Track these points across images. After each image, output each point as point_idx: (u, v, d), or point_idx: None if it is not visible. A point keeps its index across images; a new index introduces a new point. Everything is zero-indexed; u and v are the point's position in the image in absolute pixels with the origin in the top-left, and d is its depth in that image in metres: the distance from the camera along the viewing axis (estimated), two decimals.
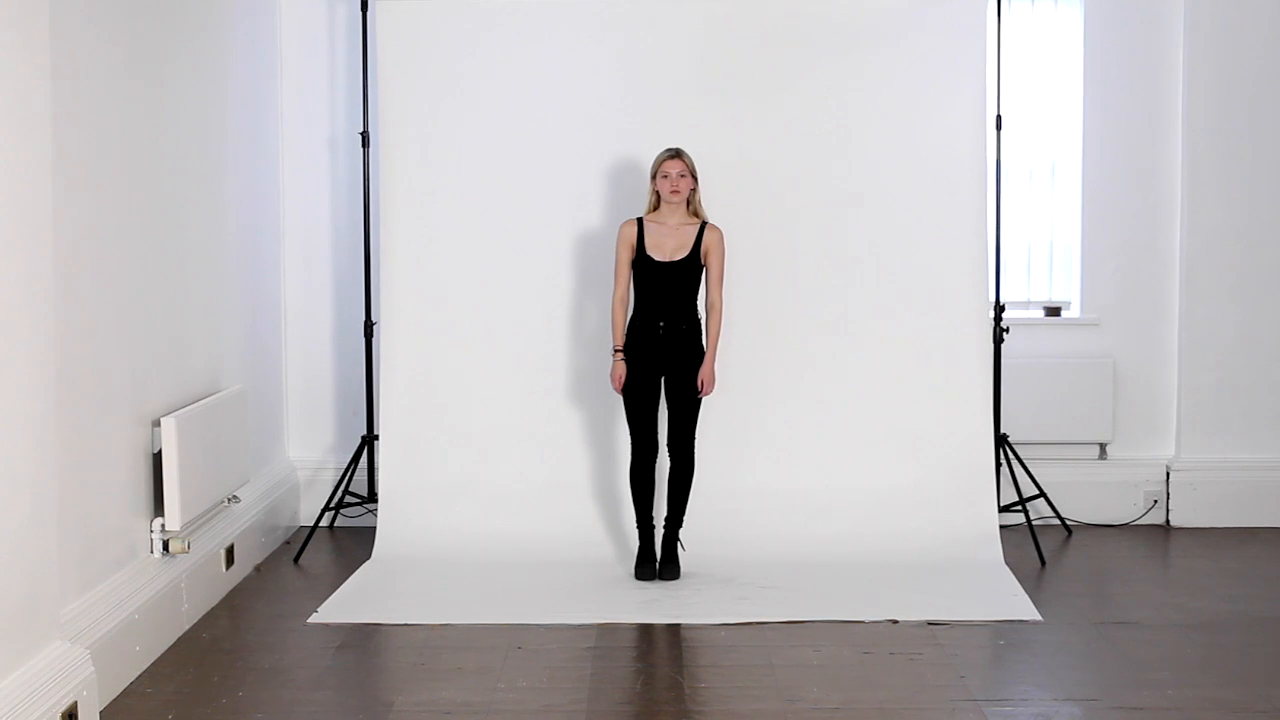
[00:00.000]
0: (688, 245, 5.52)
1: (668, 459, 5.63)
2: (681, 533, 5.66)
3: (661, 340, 5.50)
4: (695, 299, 5.55)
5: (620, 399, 5.73)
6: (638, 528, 5.63)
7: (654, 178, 5.53)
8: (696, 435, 5.64)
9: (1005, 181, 6.25)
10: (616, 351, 5.58)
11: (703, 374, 5.52)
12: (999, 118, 6.11)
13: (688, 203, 5.55)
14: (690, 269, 5.51)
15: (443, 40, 6.05)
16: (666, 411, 5.55)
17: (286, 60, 6.49)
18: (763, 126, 6.04)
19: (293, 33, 6.48)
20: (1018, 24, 6.54)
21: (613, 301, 5.62)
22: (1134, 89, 6.53)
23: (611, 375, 5.62)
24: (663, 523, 5.65)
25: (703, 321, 5.56)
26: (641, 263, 5.52)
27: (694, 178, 5.52)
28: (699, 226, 5.54)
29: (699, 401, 5.55)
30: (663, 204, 5.54)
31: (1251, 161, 6.47)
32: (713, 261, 5.54)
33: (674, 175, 5.48)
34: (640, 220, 5.57)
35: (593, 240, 6.06)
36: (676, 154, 5.50)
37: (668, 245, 5.52)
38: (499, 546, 5.87)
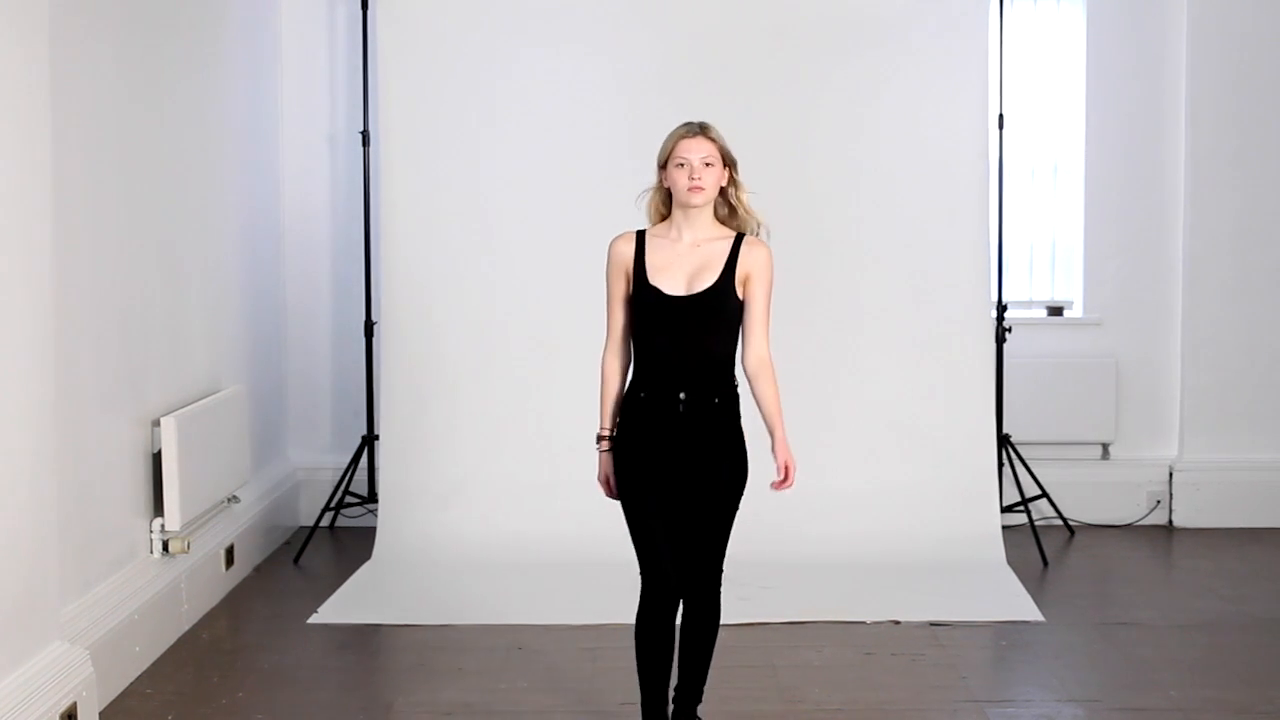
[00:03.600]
0: (714, 269, 3.66)
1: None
2: (701, 709, 3.90)
3: (682, 420, 3.65)
4: (731, 354, 3.71)
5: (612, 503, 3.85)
6: (642, 711, 3.82)
7: (663, 166, 3.71)
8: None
9: (1007, 181, 6.23)
10: (601, 439, 3.78)
11: (783, 457, 3.71)
12: (1001, 117, 6.10)
13: (718, 206, 3.74)
14: (721, 306, 3.65)
15: (444, 38, 6.04)
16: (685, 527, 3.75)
17: (287, 58, 6.47)
18: (765, 126, 6.02)
19: (293, 30, 6.47)
20: (1020, 23, 6.52)
21: (602, 359, 3.77)
22: (1137, 88, 6.52)
23: (598, 476, 3.80)
24: (672, 694, 3.86)
25: (740, 397, 3.73)
26: (644, 298, 3.67)
27: (727, 163, 3.70)
28: (732, 241, 3.69)
29: (733, 515, 3.74)
30: (676, 209, 3.71)
31: (1254, 161, 6.45)
32: (756, 293, 3.67)
33: (694, 161, 3.63)
34: (641, 235, 3.75)
35: (594, 240, 6.01)
36: (700, 129, 3.67)
37: (683, 270, 3.67)
38: (499, 547, 5.86)
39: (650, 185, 3.79)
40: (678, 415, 3.66)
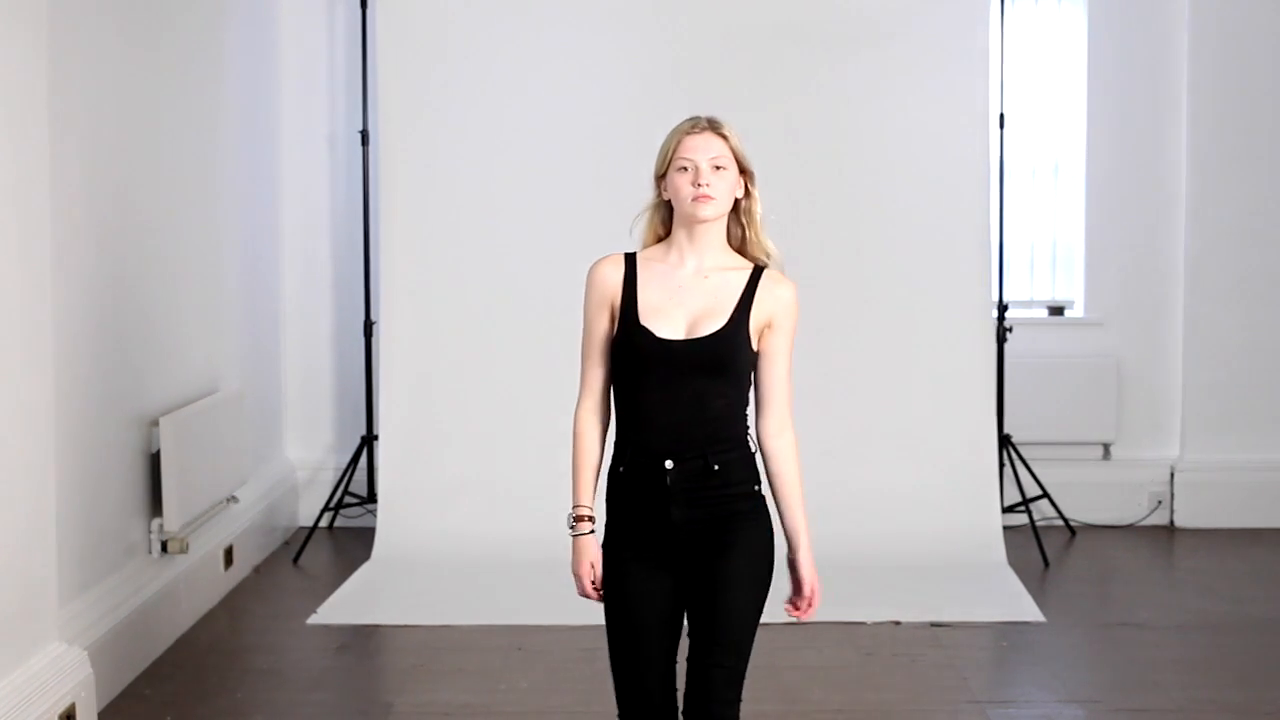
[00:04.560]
0: (724, 308, 2.87)
1: None
2: None
3: (670, 496, 2.83)
4: (737, 411, 2.90)
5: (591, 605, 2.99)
6: None
7: (662, 176, 2.91)
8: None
9: (1008, 180, 6.21)
10: (579, 518, 2.90)
11: (809, 576, 2.91)
12: (1002, 116, 6.09)
13: (732, 228, 2.95)
14: (730, 357, 2.86)
15: (444, 37, 6.03)
16: (688, 644, 2.88)
17: (286, 57, 6.46)
18: (765, 125, 5.98)
19: (292, 29, 6.45)
20: (1021, 22, 6.51)
21: (575, 418, 2.93)
22: (1138, 87, 6.50)
23: (574, 567, 2.91)
24: None
25: (756, 459, 2.93)
26: (632, 342, 2.85)
27: (743, 170, 2.92)
28: (749, 274, 2.93)
29: (752, 617, 2.84)
30: (677, 227, 2.91)
31: (1256, 160, 6.43)
32: (778, 345, 2.96)
33: (701, 163, 2.84)
34: (631, 259, 2.94)
35: (595, 240, 5.99)
36: (709, 125, 2.90)
37: (683, 307, 2.87)
38: (499, 547, 5.85)
39: (646, 204, 2.96)
40: (663, 490, 2.81)
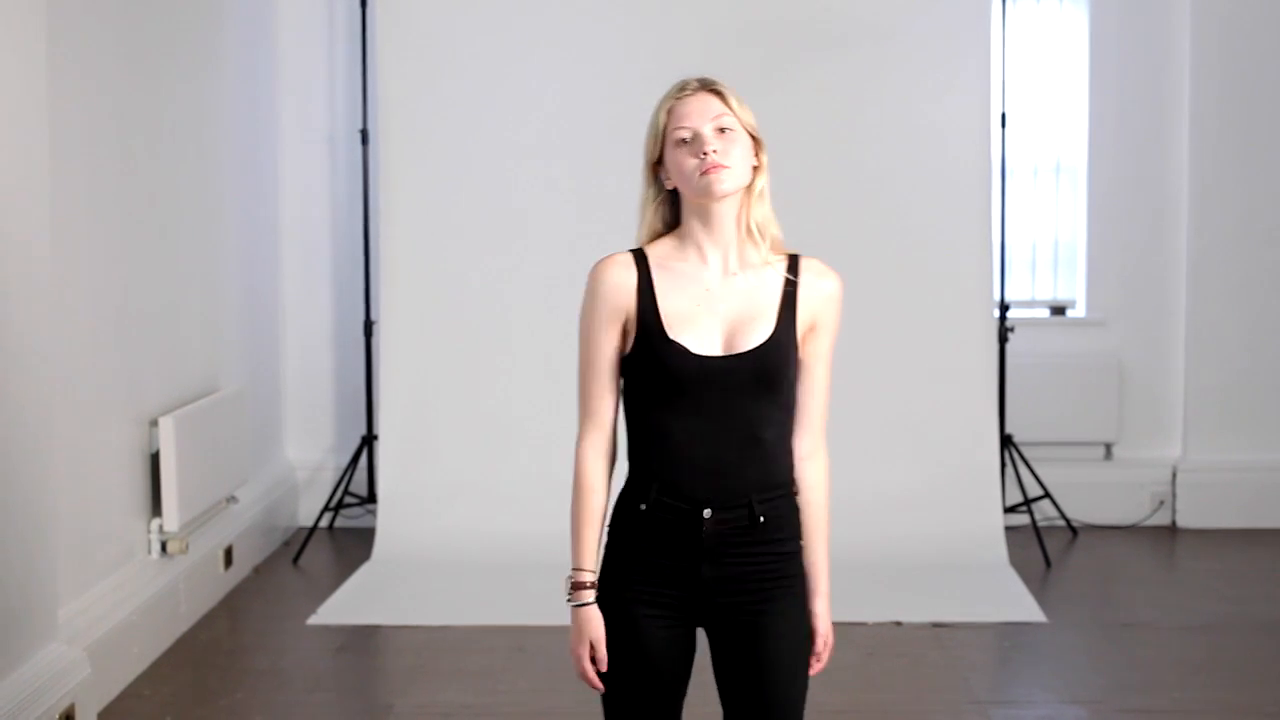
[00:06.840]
0: (766, 310, 2.38)
1: None
2: None
3: (705, 553, 2.38)
4: (786, 444, 2.43)
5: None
6: None
7: (658, 161, 2.41)
8: None
9: (1010, 179, 6.20)
10: (579, 585, 2.42)
11: (824, 633, 2.46)
12: (1004, 115, 6.07)
13: (742, 205, 2.41)
14: (781, 372, 2.38)
15: (443, 35, 6.02)
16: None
17: (285, 56, 6.44)
18: (765, 123, 5.97)
19: (291, 28, 6.44)
20: (1022, 20, 6.50)
21: (578, 456, 2.46)
22: (1140, 86, 6.49)
23: (574, 645, 2.42)
24: None
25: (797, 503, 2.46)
26: (663, 361, 2.35)
27: (754, 136, 2.47)
28: (785, 266, 2.42)
29: (799, 703, 2.44)
30: (689, 218, 2.39)
31: (1259, 159, 6.42)
32: (819, 349, 2.43)
33: (704, 129, 2.38)
34: (641, 258, 2.40)
35: (596, 240, 5.99)
36: (701, 85, 2.46)
37: (717, 315, 2.37)
38: (499, 547, 5.84)
39: (642, 200, 2.43)
40: (696, 543, 2.36)
